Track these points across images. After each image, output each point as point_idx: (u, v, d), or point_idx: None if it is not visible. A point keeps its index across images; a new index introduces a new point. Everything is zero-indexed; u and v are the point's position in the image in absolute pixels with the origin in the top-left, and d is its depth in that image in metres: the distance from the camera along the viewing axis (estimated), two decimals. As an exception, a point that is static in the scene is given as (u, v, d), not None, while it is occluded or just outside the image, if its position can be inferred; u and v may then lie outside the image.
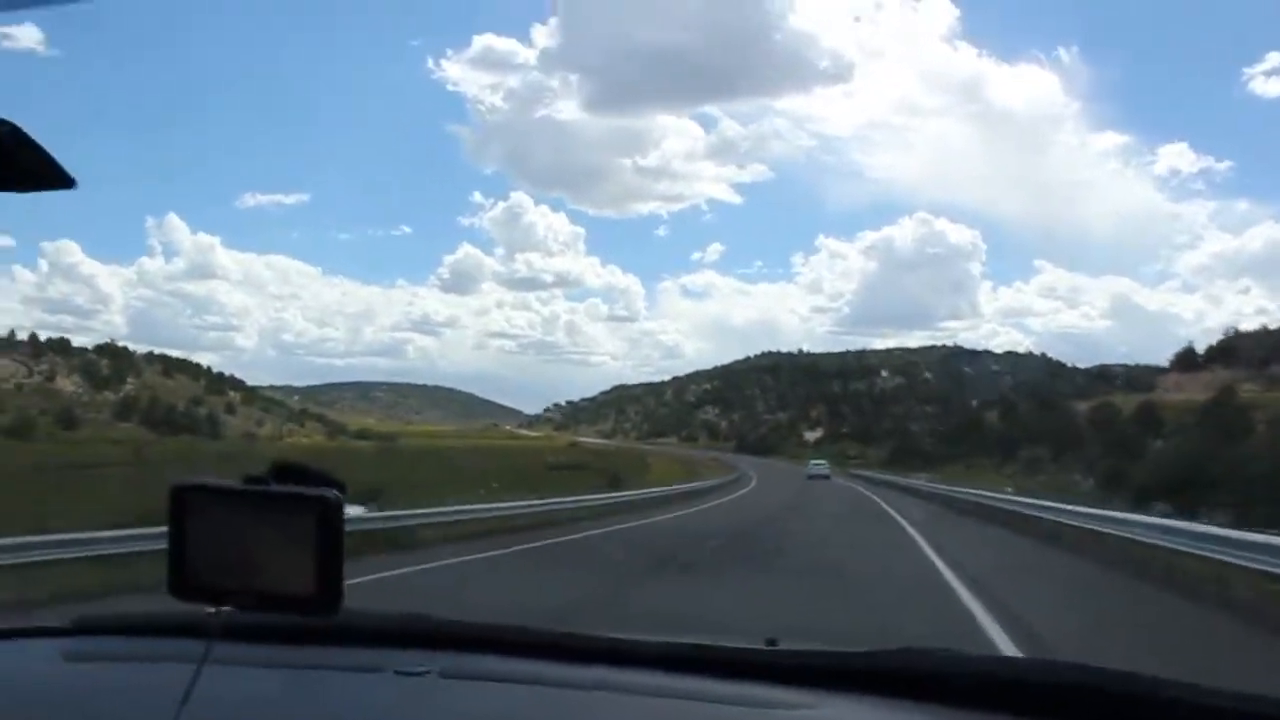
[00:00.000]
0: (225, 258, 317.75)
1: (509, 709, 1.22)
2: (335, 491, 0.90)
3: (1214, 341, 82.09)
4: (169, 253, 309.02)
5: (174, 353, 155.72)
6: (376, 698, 1.25)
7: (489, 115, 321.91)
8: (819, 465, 62.30)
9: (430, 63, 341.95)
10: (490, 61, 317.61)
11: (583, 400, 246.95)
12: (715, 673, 1.29)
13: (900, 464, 71.75)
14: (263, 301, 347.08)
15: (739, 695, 1.22)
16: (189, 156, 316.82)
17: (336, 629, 1.36)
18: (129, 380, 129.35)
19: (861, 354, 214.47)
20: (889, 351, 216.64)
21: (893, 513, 26.54)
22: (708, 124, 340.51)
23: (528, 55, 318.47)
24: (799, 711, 1.19)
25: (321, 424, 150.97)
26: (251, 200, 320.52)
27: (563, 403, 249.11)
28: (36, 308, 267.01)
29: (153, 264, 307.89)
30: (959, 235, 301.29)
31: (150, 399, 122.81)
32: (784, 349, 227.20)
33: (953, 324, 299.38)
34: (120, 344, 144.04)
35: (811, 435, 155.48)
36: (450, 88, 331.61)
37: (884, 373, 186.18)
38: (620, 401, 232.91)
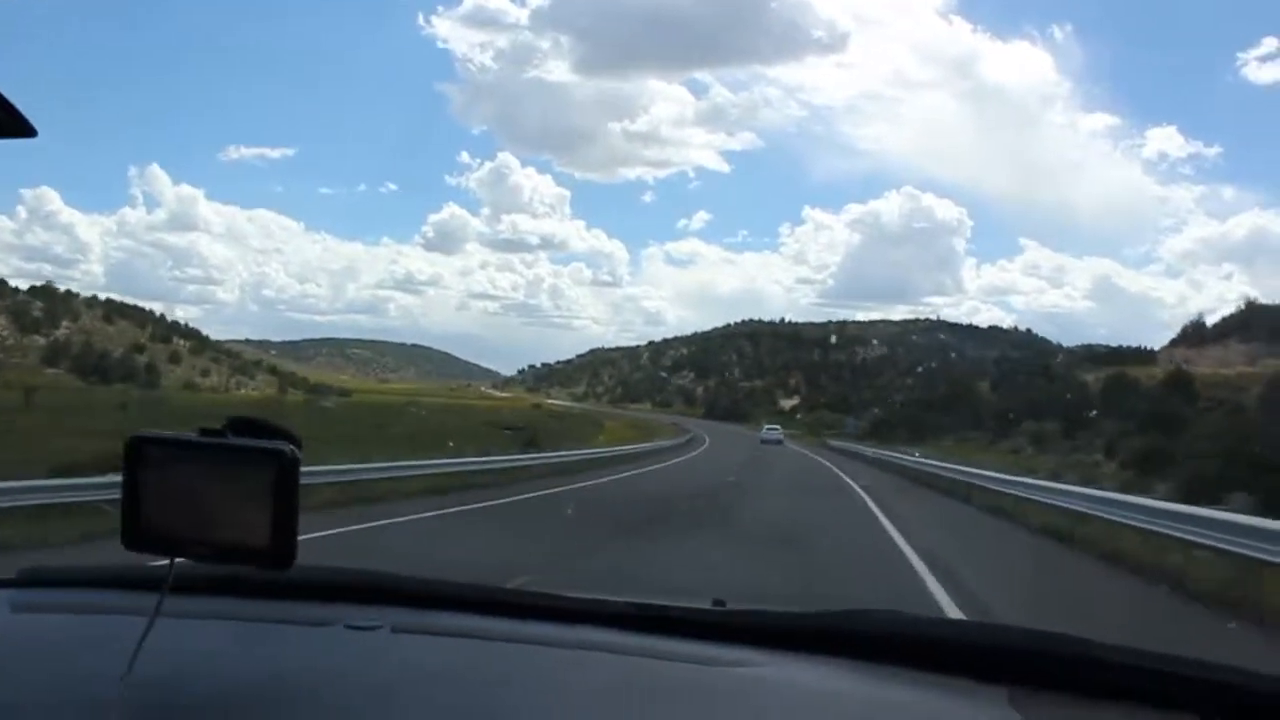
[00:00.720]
0: (208, 210, 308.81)
1: (460, 664, 1.22)
2: (291, 446, 0.89)
3: (1230, 312, 76.12)
4: (150, 203, 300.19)
5: (153, 305, 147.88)
6: (328, 651, 1.24)
7: (478, 74, 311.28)
8: (772, 430, 65.19)
9: (420, 18, 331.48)
10: (481, 19, 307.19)
11: (559, 363, 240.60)
12: (664, 631, 1.29)
13: (883, 436, 65.68)
14: (244, 255, 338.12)
15: (689, 653, 1.23)
16: (173, 107, 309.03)
17: (289, 583, 1.35)
18: (64, 324, 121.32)
19: (844, 325, 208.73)
20: (871, 324, 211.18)
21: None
22: (698, 90, 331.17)
23: (519, 14, 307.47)
24: (748, 669, 1.19)
25: (274, 377, 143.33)
26: (236, 153, 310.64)
27: (538, 364, 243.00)
28: (14, 255, 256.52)
29: (134, 214, 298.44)
30: (945, 211, 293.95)
31: (83, 344, 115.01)
32: (767, 318, 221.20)
33: (936, 299, 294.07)
34: (69, 290, 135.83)
35: (787, 403, 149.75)
36: (440, 45, 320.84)
37: (859, 348, 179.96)
38: (595, 365, 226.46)
